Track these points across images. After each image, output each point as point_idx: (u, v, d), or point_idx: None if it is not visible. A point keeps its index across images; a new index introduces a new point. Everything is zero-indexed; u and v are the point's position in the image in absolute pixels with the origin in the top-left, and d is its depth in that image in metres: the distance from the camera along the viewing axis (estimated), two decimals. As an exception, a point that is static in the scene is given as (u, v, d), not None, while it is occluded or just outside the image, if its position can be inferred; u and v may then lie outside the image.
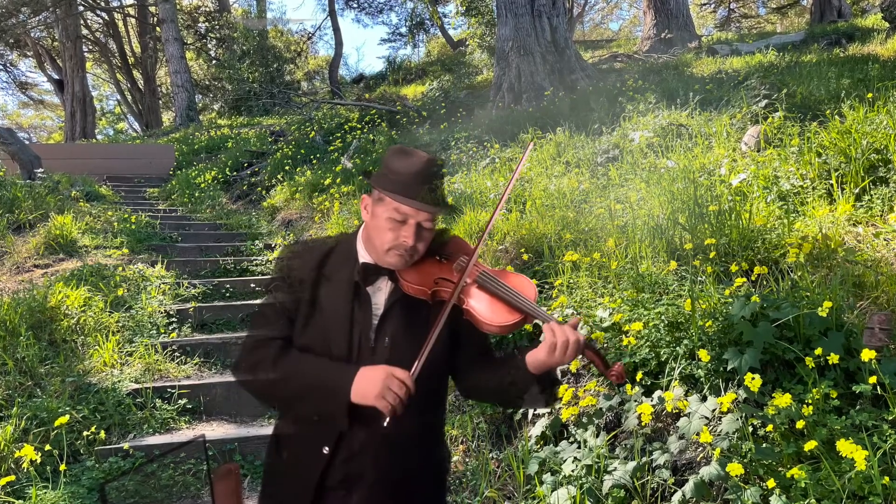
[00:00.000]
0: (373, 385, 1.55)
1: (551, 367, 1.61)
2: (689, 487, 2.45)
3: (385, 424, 1.54)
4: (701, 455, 2.65)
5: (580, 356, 1.63)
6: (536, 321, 1.65)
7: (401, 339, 1.65)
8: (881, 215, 3.79)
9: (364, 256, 1.71)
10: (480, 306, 1.64)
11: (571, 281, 4.07)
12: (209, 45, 26.61)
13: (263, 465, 1.80)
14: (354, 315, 1.66)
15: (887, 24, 11.30)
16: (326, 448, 1.64)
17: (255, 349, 1.68)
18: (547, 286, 4.28)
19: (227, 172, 12.09)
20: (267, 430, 2.76)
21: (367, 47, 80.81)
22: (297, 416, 1.72)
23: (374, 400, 1.54)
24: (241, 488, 1.85)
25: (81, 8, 24.60)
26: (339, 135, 12.05)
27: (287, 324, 1.69)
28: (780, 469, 2.35)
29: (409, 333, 1.64)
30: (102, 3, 26.42)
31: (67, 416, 3.66)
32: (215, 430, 4.27)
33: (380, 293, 1.70)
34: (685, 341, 3.01)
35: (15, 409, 3.83)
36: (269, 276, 1.86)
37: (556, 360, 1.58)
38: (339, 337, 1.65)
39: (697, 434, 2.58)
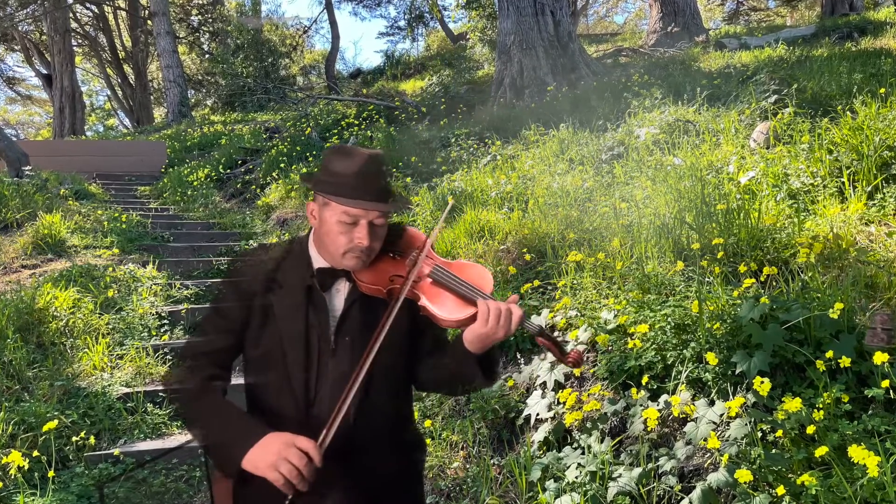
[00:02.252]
0: (267, 454, 1.51)
1: (486, 340, 1.60)
2: (696, 495, 2.45)
3: (286, 502, 1.51)
4: (708, 461, 2.65)
5: (541, 346, 1.63)
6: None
7: (362, 338, 1.66)
8: (894, 214, 3.79)
9: (318, 261, 1.73)
10: (435, 302, 1.65)
11: (575, 282, 4.07)
12: (202, 39, 26.62)
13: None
14: (309, 319, 1.68)
15: (900, 18, 11.30)
16: None
17: (186, 369, 1.71)
18: (550, 287, 4.28)
19: (221, 170, 12.09)
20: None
21: (364, 41, 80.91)
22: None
23: (266, 470, 1.50)
24: None
25: (70, 0, 24.60)
26: (335, 131, 12.05)
27: (229, 334, 1.72)
28: (790, 476, 2.35)
29: (371, 331, 1.65)
30: (92, -4, 26.41)
31: (56, 421, 3.66)
32: (208, 436, 4.28)
33: (339, 294, 1.72)
34: (692, 344, 3.01)
35: (2, 413, 3.83)
36: (217, 283, 1.87)
37: (490, 330, 1.58)
38: (294, 342, 1.67)
39: (705, 439, 2.59)
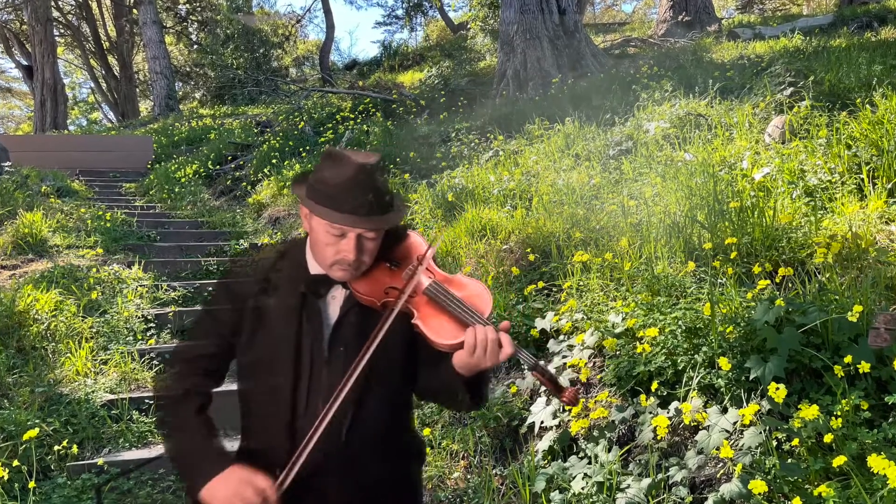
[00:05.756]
0: (224, 489, 1.58)
1: (474, 368, 1.61)
2: (708, 506, 2.45)
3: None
4: (721, 471, 2.65)
5: (538, 381, 1.65)
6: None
7: (356, 347, 1.65)
8: (916, 212, 3.79)
9: (314, 268, 1.72)
10: (427, 322, 1.63)
11: (581, 283, 4.07)
12: (190, 29, 26.64)
13: None
14: (303, 327, 1.68)
15: (922, 6, 11.30)
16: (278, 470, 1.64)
17: (172, 375, 1.78)
18: (555, 289, 4.28)
19: (210, 166, 12.09)
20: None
21: (360, 31, 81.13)
22: (250, 434, 1.79)
23: None
24: None
25: (52, -12, 24.61)
26: (330, 125, 12.05)
27: (219, 339, 1.76)
28: (806, 486, 2.35)
29: (365, 340, 1.64)
30: (75, -16, 26.43)
31: (37, 430, 3.65)
32: (197, 445, 4.28)
33: (334, 301, 1.72)
34: (704, 348, 3.01)
35: (-20, 421, 3.83)
36: (210, 285, 1.93)
37: (476, 360, 1.57)
38: (286, 349, 1.67)
39: (717, 448, 2.59)
